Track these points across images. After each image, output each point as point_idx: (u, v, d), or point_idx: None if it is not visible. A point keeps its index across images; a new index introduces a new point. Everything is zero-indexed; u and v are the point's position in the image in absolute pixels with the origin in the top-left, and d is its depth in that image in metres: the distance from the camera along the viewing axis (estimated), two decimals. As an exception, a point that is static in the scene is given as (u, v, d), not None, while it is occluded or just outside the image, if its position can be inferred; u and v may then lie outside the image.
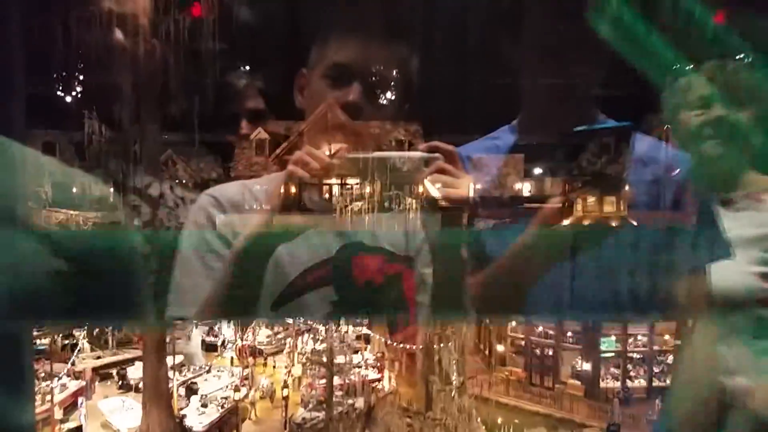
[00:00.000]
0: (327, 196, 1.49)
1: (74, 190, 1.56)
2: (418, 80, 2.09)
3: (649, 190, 1.88)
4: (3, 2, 1.41)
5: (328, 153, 1.49)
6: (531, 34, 2.02)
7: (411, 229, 1.55)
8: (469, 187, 1.59)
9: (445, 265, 1.58)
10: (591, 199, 1.30)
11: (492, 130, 2.21)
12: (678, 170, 2.01)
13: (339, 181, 1.49)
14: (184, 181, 2.16)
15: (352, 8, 2.14)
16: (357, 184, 1.49)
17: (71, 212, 1.34)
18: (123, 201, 1.56)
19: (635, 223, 1.31)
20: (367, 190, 1.49)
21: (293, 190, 1.48)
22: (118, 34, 2.13)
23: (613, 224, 1.26)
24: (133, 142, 1.88)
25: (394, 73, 1.86)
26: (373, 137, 1.61)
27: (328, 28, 1.96)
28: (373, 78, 1.79)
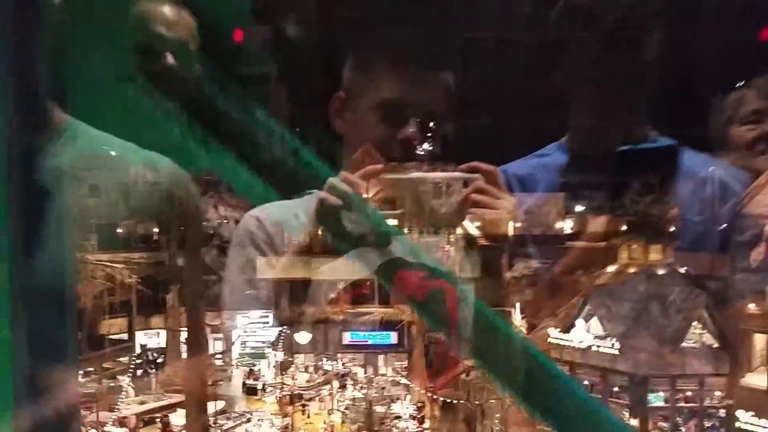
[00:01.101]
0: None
1: (119, 230, 1.61)
2: (463, 105, 2.09)
3: (701, 207, 1.83)
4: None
5: (365, 196, 1.50)
6: (580, 56, 2.02)
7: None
8: (511, 206, 1.60)
9: None
10: (635, 247, 1.27)
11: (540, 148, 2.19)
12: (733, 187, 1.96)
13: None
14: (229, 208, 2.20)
15: (402, 42, 2.17)
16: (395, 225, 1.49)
17: (116, 265, 1.38)
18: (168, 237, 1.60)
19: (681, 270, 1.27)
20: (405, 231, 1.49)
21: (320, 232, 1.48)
22: (169, 59, 2.20)
23: (660, 272, 1.21)
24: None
25: (443, 102, 1.88)
26: (411, 182, 1.60)
27: (372, 56, 1.99)
28: (427, 113, 1.81)
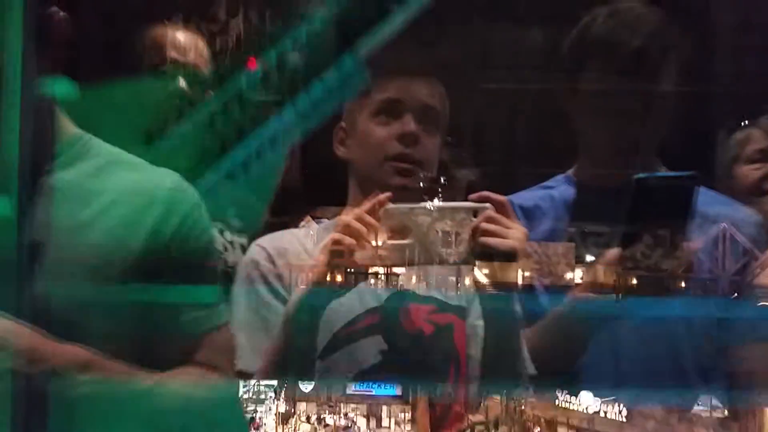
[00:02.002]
0: (372, 282, 1.49)
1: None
2: (469, 126, 2.11)
3: (712, 260, 1.80)
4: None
5: (374, 243, 1.50)
6: (593, 86, 2.01)
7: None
8: (522, 236, 1.58)
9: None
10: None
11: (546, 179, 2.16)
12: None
13: (384, 270, 1.49)
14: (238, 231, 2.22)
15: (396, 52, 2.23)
16: (402, 272, 1.49)
17: None
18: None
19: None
20: (413, 280, 1.49)
21: (339, 278, 1.49)
22: (181, 83, 2.25)
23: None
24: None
25: (440, 106, 1.92)
26: (418, 212, 1.60)
27: (369, 75, 2.04)
28: (423, 108, 1.84)
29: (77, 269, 1.43)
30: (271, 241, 1.91)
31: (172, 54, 2.34)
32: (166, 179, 1.60)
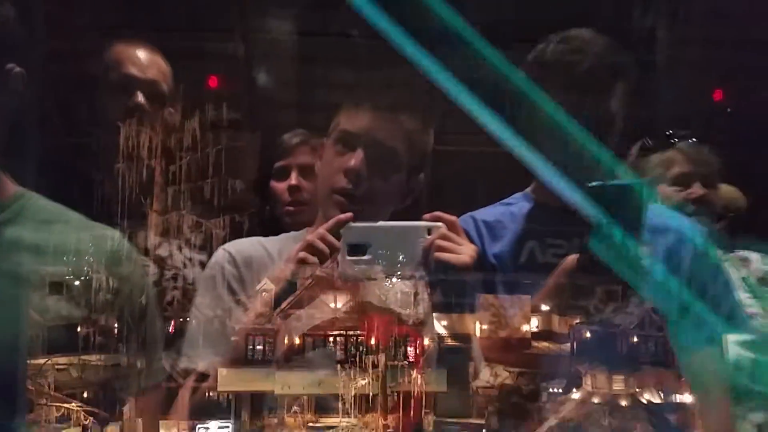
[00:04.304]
0: (331, 347, 1.48)
1: (79, 330, 1.56)
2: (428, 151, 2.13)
3: (664, 258, 1.87)
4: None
5: (333, 305, 1.49)
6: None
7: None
8: (473, 252, 1.67)
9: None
10: (601, 376, 1.29)
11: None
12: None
13: (344, 332, 1.49)
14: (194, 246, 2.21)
15: (365, 80, 2.26)
16: (361, 335, 1.48)
17: (72, 406, 1.33)
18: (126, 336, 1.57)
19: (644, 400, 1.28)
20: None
21: (297, 341, 1.47)
22: (139, 98, 2.25)
23: (623, 404, 1.23)
24: (146, 205, 1.91)
25: (401, 145, 1.92)
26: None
27: (342, 100, 2.07)
28: (375, 143, 1.86)
29: (18, 322, 1.43)
30: (236, 246, 1.94)
31: (132, 70, 2.35)
32: (107, 238, 1.62)
